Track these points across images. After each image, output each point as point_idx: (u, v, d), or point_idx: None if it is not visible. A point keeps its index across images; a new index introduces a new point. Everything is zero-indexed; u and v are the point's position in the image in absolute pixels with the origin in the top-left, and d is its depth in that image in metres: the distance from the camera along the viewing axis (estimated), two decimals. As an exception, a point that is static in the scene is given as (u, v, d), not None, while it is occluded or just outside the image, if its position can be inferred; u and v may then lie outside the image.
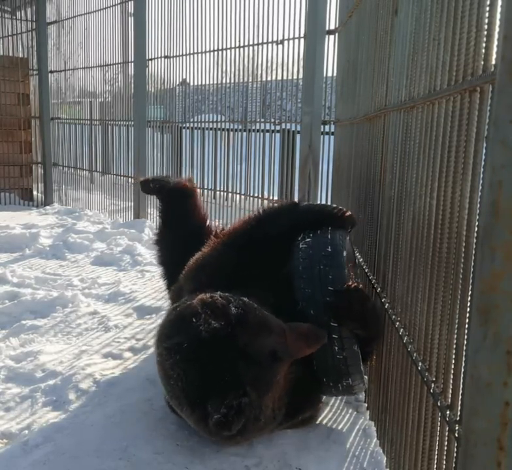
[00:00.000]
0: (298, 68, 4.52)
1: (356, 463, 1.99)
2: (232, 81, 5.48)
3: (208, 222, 3.12)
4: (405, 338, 1.69)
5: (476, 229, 1.15)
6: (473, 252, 1.16)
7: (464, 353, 1.20)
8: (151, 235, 5.64)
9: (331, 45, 4.14)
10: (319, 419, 2.26)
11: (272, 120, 5.11)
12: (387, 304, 2.01)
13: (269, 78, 5.36)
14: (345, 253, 2.04)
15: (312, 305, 1.94)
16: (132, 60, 6.32)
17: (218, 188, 5.66)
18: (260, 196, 5.15)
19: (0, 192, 7.68)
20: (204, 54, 5.55)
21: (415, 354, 1.56)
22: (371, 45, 2.54)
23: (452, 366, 1.27)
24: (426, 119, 1.55)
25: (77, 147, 7.75)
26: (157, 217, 3.31)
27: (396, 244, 1.89)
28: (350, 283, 1.96)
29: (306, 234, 2.10)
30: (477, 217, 1.15)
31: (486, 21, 1.13)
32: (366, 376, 2.16)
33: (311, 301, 1.94)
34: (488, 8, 1.12)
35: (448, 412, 1.26)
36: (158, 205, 3.26)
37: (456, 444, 1.20)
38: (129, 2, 6.42)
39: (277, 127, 4.96)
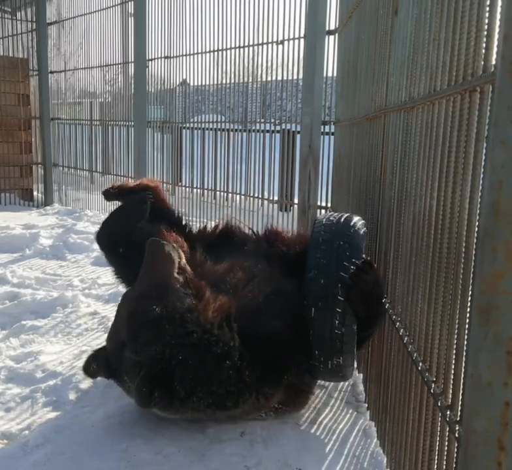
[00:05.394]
0: (298, 68, 4.53)
1: (357, 464, 1.98)
2: (232, 81, 5.48)
3: (183, 219, 2.91)
4: (406, 338, 1.69)
5: (476, 229, 1.15)
6: (474, 252, 1.16)
7: (465, 353, 1.20)
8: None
9: (331, 45, 4.14)
10: (319, 419, 2.26)
11: (272, 120, 5.12)
12: (387, 304, 2.01)
13: (269, 78, 5.37)
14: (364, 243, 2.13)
15: (324, 275, 1.99)
16: (133, 60, 6.32)
17: (218, 189, 5.67)
18: (260, 196, 5.15)
19: (1, 193, 7.68)
20: (204, 54, 5.55)
21: (415, 354, 1.56)
22: (371, 45, 2.54)
23: (453, 366, 1.27)
24: (426, 119, 1.55)
25: (77, 147, 7.76)
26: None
27: (396, 244, 1.89)
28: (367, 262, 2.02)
29: (329, 216, 2.22)
30: (478, 217, 1.15)
31: (486, 21, 1.13)
32: (355, 366, 2.17)
33: (323, 271, 1.99)
34: (488, 9, 1.12)
35: (448, 413, 1.26)
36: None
37: (456, 445, 1.20)
38: (129, 3, 6.42)
39: (278, 127, 4.96)
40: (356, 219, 2.19)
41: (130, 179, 6.62)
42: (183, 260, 2.17)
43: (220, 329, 1.96)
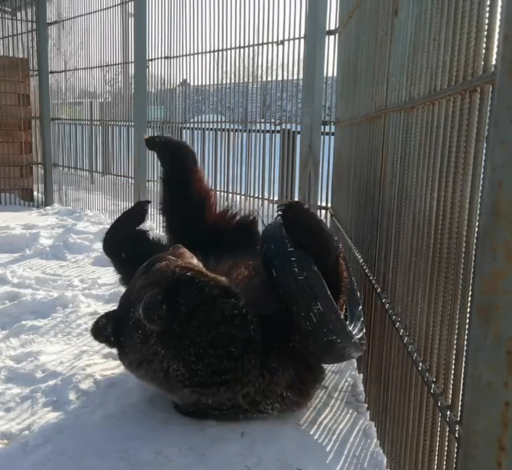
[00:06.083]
0: (298, 68, 4.52)
1: (357, 464, 1.98)
2: (233, 81, 5.48)
3: (211, 193, 3.10)
4: (406, 339, 1.69)
5: (476, 229, 1.15)
6: (474, 252, 1.16)
7: (465, 353, 1.20)
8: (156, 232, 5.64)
9: (331, 45, 4.14)
10: (319, 419, 2.26)
11: (272, 120, 5.11)
12: (387, 304, 2.01)
13: (269, 79, 5.37)
14: None
15: (272, 242, 2.17)
16: (133, 60, 6.32)
17: (218, 189, 5.66)
18: (260, 196, 5.15)
19: (1, 193, 7.68)
20: (204, 54, 5.55)
21: (415, 355, 1.56)
22: (371, 45, 2.54)
23: (453, 366, 1.27)
24: (426, 119, 1.55)
25: (77, 147, 7.75)
26: (159, 182, 3.20)
27: (396, 244, 1.89)
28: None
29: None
30: (478, 217, 1.15)
31: (486, 21, 1.13)
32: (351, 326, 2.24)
33: (271, 239, 2.18)
34: (488, 9, 1.12)
35: (448, 413, 1.26)
36: (160, 168, 3.15)
37: (456, 445, 1.20)
38: (129, 3, 6.42)
39: (278, 128, 4.96)
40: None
41: (130, 179, 6.62)
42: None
43: (228, 283, 2.13)
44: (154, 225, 6.06)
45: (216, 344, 1.95)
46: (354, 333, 2.23)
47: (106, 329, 2.12)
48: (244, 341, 1.98)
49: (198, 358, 1.95)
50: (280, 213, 2.18)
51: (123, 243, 2.69)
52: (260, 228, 2.93)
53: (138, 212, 2.85)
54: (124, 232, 2.73)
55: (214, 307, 1.98)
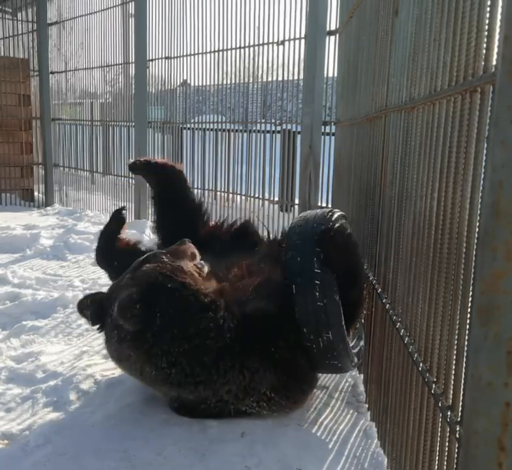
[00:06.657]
0: (298, 68, 4.52)
1: (357, 464, 1.98)
2: (233, 81, 5.48)
3: (203, 207, 3.02)
4: (406, 339, 1.68)
5: (477, 229, 1.15)
6: (474, 252, 1.16)
7: (465, 354, 1.20)
8: (152, 236, 5.64)
9: (331, 46, 4.14)
10: (320, 420, 2.26)
11: (273, 121, 5.11)
12: (388, 305, 2.01)
13: (270, 79, 5.37)
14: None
15: (299, 253, 2.08)
16: (133, 61, 6.32)
17: (219, 189, 5.67)
18: (261, 196, 5.15)
19: (1, 193, 7.69)
20: (204, 55, 5.56)
21: (415, 355, 1.56)
22: (372, 45, 2.54)
23: (453, 367, 1.27)
24: (427, 119, 1.55)
25: (78, 147, 7.76)
26: (151, 204, 3.19)
27: (397, 245, 1.89)
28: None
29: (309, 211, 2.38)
30: (478, 218, 1.15)
31: (487, 21, 1.13)
32: (354, 351, 2.19)
33: (299, 250, 2.09)
34: (488, 9, 1.12)
35: (449, 413, 1.26)
36: (150, 191, 3.14)
37: (457, 445, 1.20)
38: (130, 3, 6.43)
39: (278, 128, 4.97)
40: (333, 210, 2.30)
41: (130, 179, 6.62)
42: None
43: (211, 294, 2.09)
44: (149, 222, 6.06)
45: (189, 354, 1.98)
46: (354, 351, 2.22)
47: (87, 311, 2.17)
48: (218, 350, 2.00)
49: (170, 364, 1.99)
50: (322, 227, 2.11)
51: (114, 253, 2.74)
52: (259, 229, 2.90)
53: (117, 219, 2.88)
54: (112, 242, 2.78)
55: (189, 322, 1.99)
